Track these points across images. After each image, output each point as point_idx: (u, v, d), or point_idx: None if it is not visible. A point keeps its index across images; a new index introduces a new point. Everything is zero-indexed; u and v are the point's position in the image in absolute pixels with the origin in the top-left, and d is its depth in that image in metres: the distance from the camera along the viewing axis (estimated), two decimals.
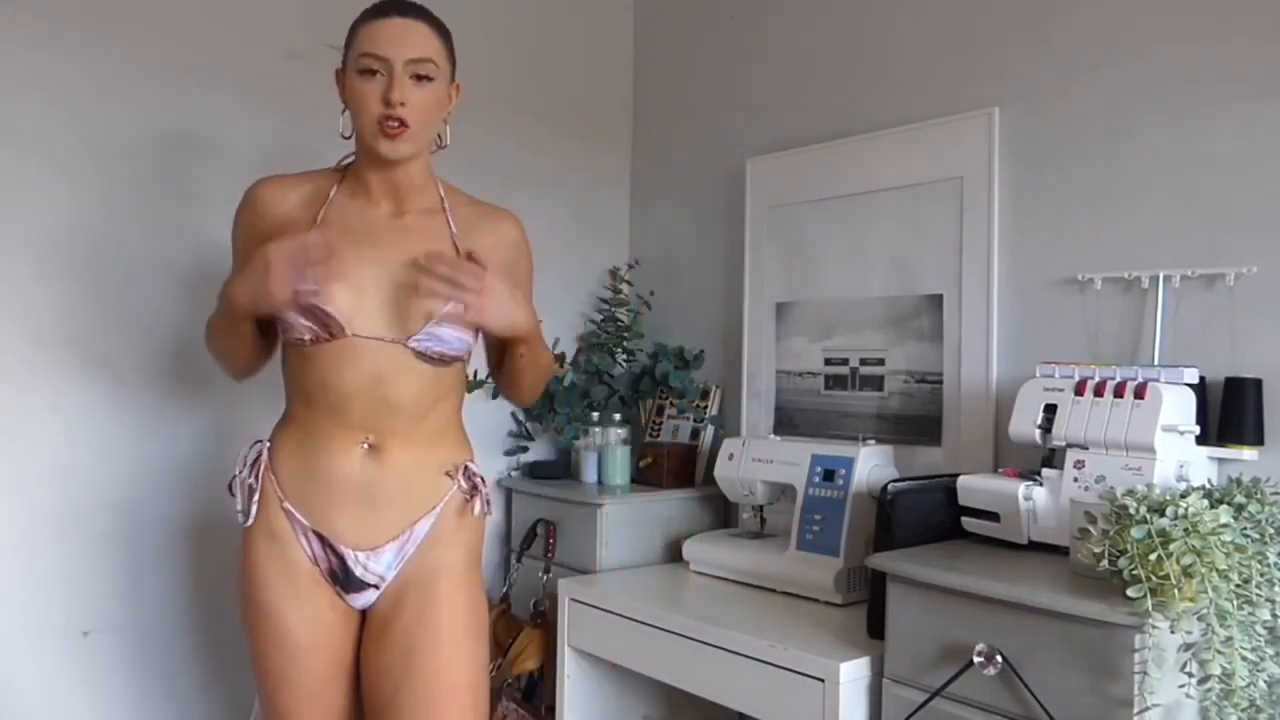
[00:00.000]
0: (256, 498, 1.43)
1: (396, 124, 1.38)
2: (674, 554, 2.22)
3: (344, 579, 1.43)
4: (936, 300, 2.00)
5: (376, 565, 1.43)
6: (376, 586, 1.44)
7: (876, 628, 1.54)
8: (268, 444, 1.47)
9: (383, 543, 1.43)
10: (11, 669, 1.85)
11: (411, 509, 1.45)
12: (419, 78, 1.39)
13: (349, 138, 1.47)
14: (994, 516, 1.60)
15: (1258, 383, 1.54)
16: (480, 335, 1.51)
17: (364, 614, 1.47)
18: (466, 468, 1.50)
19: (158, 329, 2.01)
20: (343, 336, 1.39)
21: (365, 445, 1.43)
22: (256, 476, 1.44)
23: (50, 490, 1.90)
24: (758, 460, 2.05)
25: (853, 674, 1.49)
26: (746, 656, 1.61)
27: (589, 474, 2.43)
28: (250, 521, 1.43)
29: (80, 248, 1.92)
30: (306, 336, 1.39)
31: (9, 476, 1.86)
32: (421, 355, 1.42)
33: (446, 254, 1.40)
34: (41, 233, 1.89)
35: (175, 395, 2.01)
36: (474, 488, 1.49)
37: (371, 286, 1.41)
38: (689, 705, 2.06)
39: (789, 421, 2.28)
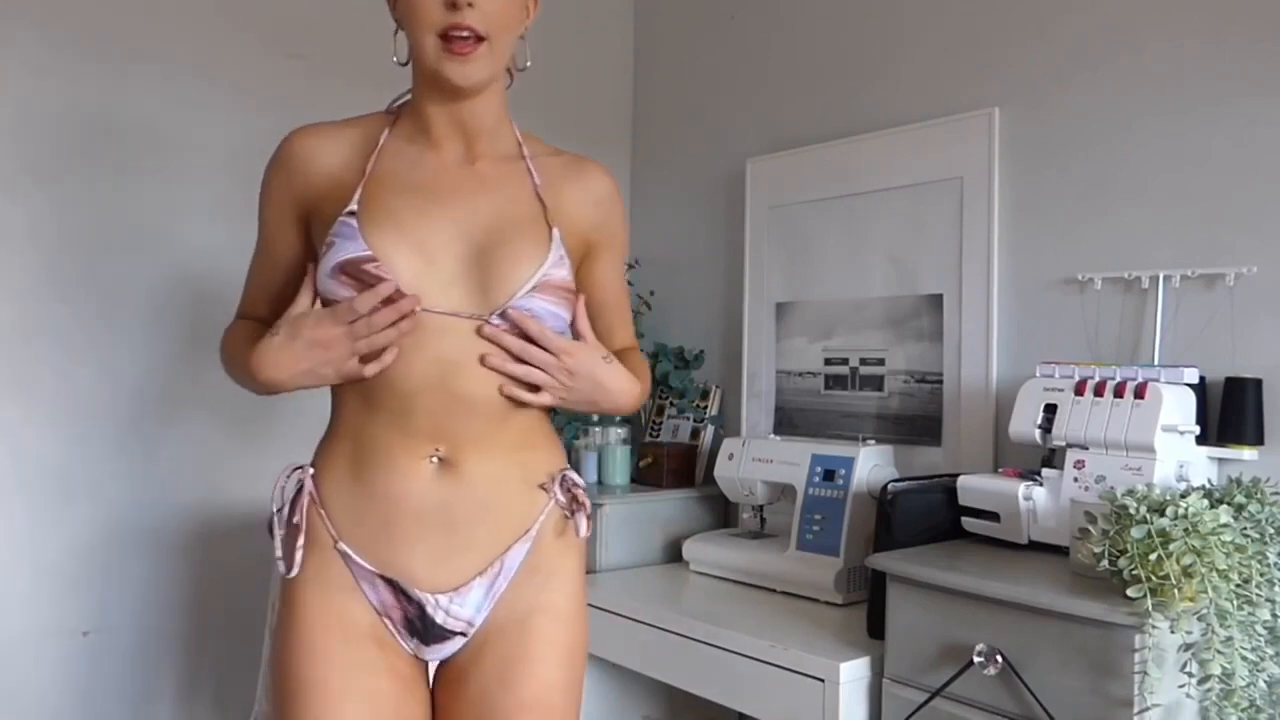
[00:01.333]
0: (302, 542, 1.12)
1: (467, 35, 1.08)
2: (674, 554, 2.22)
3: (424, 629, 1.13)
4: (936, 300, 2.00)
5: (462, 609, 1.13)
6: (464, 634, 1.14)
7: (876, 628, 1.54)
8: (311, 470, 1.16)
9: (468, 579, 1.13)
10: (11, 669, 1.85)
11: (500, 534, 1.14)
12: None
13: (405, 64, 1.18)
14: (994, 516, 1.60)
15: (1258, 383, 1.54)
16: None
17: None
18: (564, 476, 1.20)
19: (159, 328, 2.00)
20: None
21: (434, 459, 1.12)
22: (301, 512, 1.13)
23: (50, 491, 1.90)
24: (758, 460, 2.05)
25: (853, 674, 1.49)
26: (746, 656, 1.61)
27: (589, 474, 2.43)
28: (295, 572, 1.12)
29: (80, 245, 1.92)
30: None
31: (8, 477, 1.86)
32: (524, 333, 1.12)
33: (527, 322, 1.11)
34: (32, 233, 1.89)
35: (176, 394, 2.01)
36: (574, 500, 1.18)
37: (442, 250, 1.11)
38: (689, 705, 2.06)
39: (789, 421, 2.28)
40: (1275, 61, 1.57)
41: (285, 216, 1.18)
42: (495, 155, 1.19)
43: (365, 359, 1.08)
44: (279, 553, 1.13)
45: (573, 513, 1.18)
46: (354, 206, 1.11)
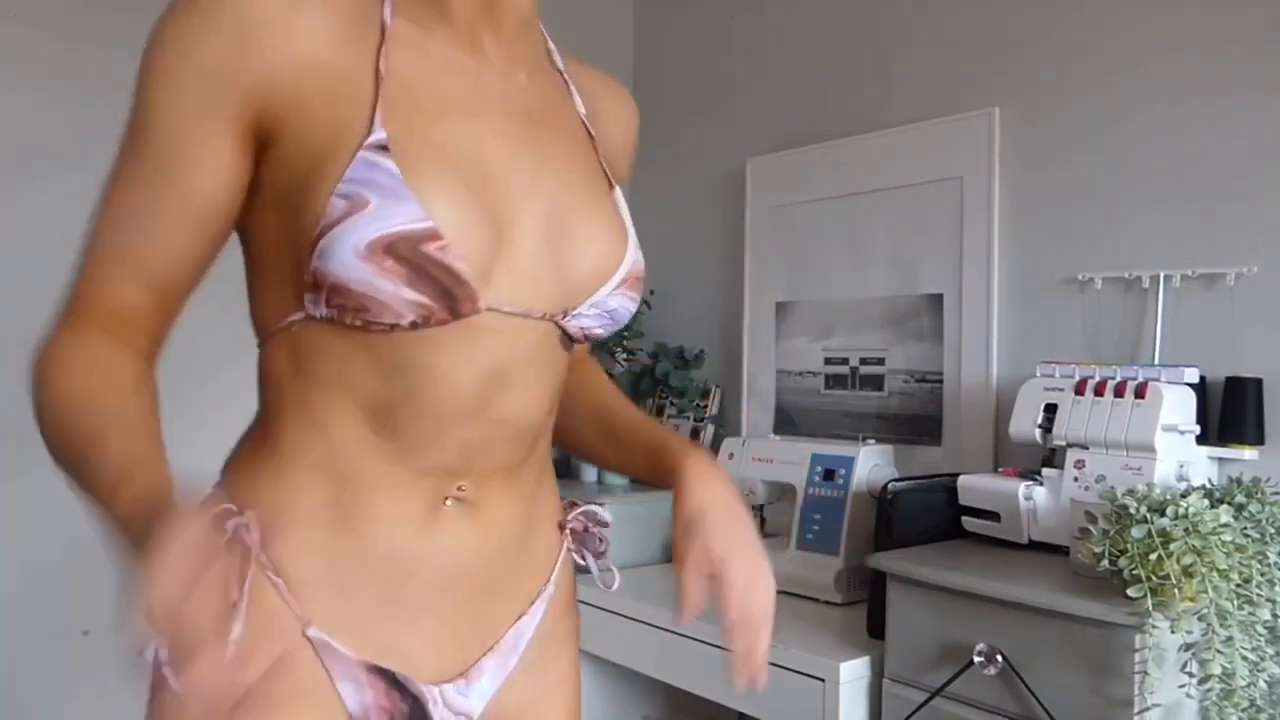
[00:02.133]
0: (238, 626, 0.66)
1: None
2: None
3: None
4: (936, 300, 2.00)
5: (466, 700, 0.83)
6: None
7: (876, 628, 1.54)
8: (252, 520, 0.73)
9: (477, 659, 0.83)
10: (11, 669, 1.85)
11: (520, 594, 0.87)
12: None
13: None
14: (994, 516, 1.60)
15: (1258, 382, 1.54)
16: None
17: None
18: (574, 506, 0.96)
19: None
20: (472, 314, 0.73)
21: (451, 500, 0.80)
22: (242, 584, 0.69)
23: (49, 490, 1.90)
24: (758, 460, 2.05)
25: (853, 674, 1.49)
26: None
27: (589, 474, 2.43)
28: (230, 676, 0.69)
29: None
30: (409, 317, 0.71)
31: (8, 476, 1.86)
32: (568, 338, 0.83)
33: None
34: (42, 228, 1.89)
35: (176, 391, 2.01)
36: (598, 539, 0.96)
37: (518, 215, 0.77)
38: (689, 705, 2.06)
39: (789, 421, 2.28)
40: (1276, 61, 1.57)
41: (214, 113, 0.70)
42: (530, 62, 0.84)
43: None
44: (159, 656, 0.61)
45: (599, 554, 0.94)
46: (381, 134, 0.70)
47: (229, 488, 0.80)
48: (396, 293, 0.70)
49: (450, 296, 0.72)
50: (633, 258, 0.84)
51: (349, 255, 0.68)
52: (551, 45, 0.90)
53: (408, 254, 0.69)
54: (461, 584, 0.81)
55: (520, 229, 0.76)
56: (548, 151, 0.81)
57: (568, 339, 0.83)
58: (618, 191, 0.87)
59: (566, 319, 0.81)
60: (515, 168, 0.77)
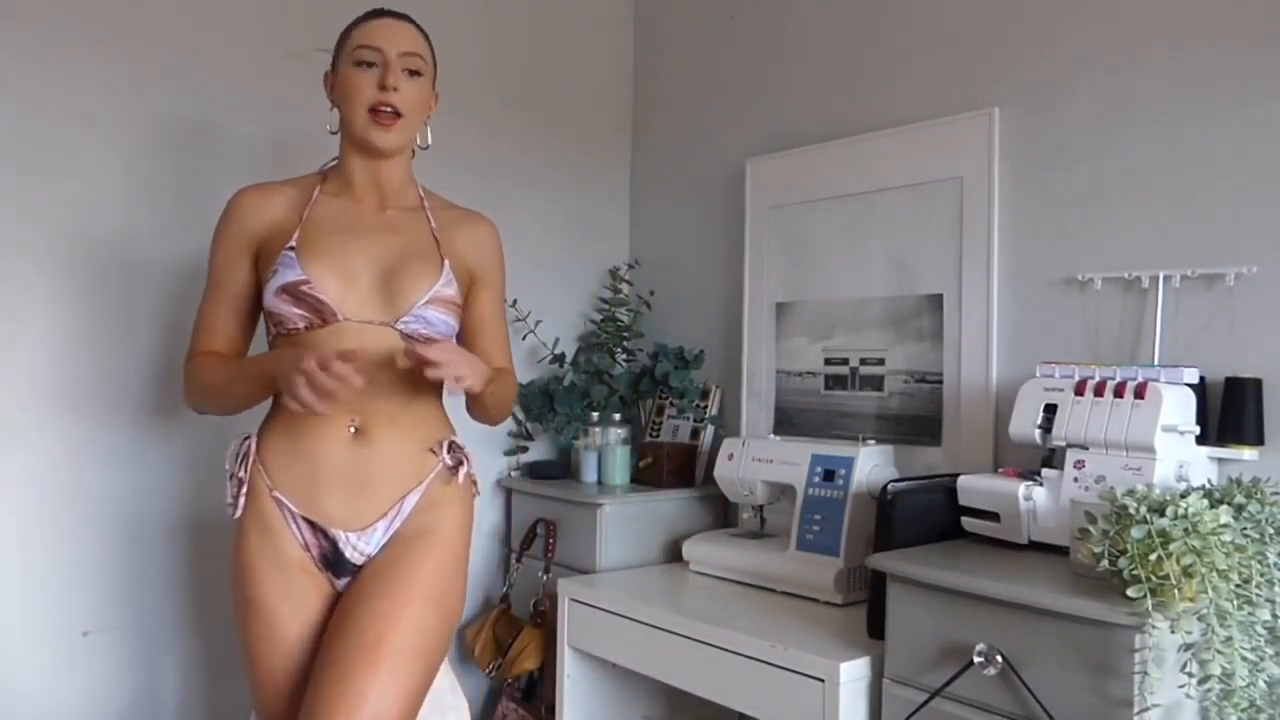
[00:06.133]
0: (244, 490, 1.44)
1: (390, 111, 1.46)
2: (674, 554, 2.22)
3: (335, 563, 1.45)
4: (936, 300, 2.00)
5: (366, 545, 1.45)
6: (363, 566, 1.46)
7: (876, 628, 1.54)
8: (254, 438, 1.48)
9: (373, 521, 1.45)
10: (11, 669, 1.85)
11: (399, 486, 1.47)
12: (410, 72, 1.49)
13: (336, 133, 1.54)
14: (994, 516, 1.60)
15: (1258, 383, 1.54)
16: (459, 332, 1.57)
17: None
18: (451, 442, 1.52)
19: (156, 330, 2.00)
20: (335, 322, 1.43)
21: (351, 428, 1.45)
22: (245, 469, 1.45)
23: (49, 491, 1.90)
24: (758, 460, 2.05)
25: (853, 674, 1.49)
26: (746, 656, 1.61)
27: (589, 474, 2.43)
28: (239, 514, 1.44)
29: (81, 249, 1.92)
30: (301, 324, 1.43)
31: (8, 477, 1.86)
32: (408, 338, 1.46)
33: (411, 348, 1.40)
34: (42, 236, 1.89)
35: (174, 396, 2.01)
36: (459, 461, 1.51)
37: (361, 273, 1.46)
38: (689, 705, 2.06)
39: (789, 421, 2.28)
40: (1275, 63, 1.57)
41: (240, 254, 1.49)
42: (402, 207, 1.56)
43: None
44: (228, 499, 1.46)
45: (455, 469, 1.51)
46: (294, 242, 1.46)
47: (260, 426, 1.51)
48: (291, 311, 1.43)
49: (319, 313, 1.43)
50: (436, 290, 1.48)
51: (269, 295, 1.44)
52: (423, 194, 1.59)
53: (292, 291, 1.43)
54: (355, 476, 1.45)
55: (362, 280, 1.46)
56: (391, 243, 1.50)
57: (408, 337, 1.46)
58: (447, 262, 1.52)
59: (398, 324, 1.46)
60: (364, 251, 1.48)
